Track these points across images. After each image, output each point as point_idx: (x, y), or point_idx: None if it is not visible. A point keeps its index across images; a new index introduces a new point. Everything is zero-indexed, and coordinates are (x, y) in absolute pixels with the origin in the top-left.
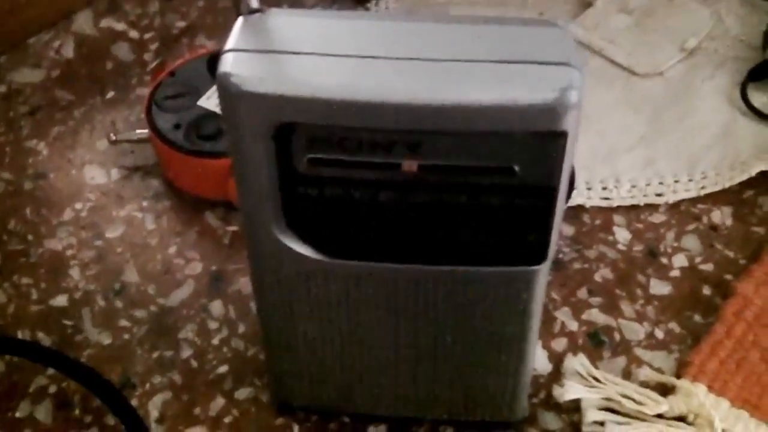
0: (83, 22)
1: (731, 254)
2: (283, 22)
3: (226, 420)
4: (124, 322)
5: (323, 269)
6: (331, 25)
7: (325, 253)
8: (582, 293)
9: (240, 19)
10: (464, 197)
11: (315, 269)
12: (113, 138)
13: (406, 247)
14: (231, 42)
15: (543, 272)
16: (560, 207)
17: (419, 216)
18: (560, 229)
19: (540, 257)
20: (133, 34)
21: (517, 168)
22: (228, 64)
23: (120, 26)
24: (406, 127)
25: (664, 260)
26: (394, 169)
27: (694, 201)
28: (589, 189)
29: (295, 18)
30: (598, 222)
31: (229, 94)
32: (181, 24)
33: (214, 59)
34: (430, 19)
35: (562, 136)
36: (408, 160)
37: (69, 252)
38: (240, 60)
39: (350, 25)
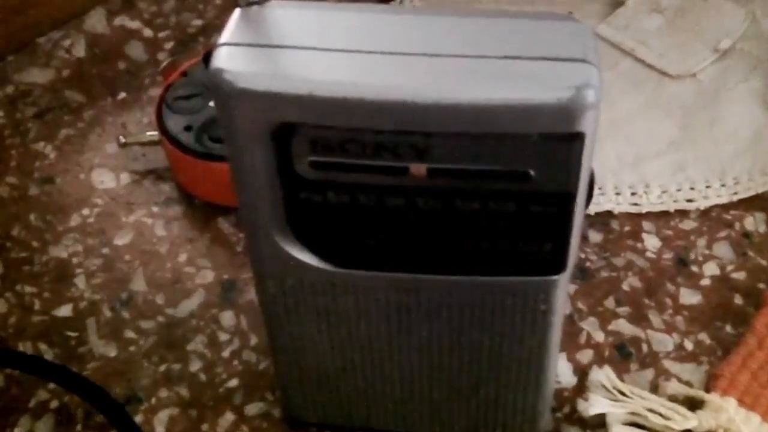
0: (96, 20)
1: (764, 262)
2: (283, 15)
3: None
4: (130, 334)
5: (329, 279)
6: (334, 18)
7: (330, 262)
8: (609, 303)
9: (237, 11)
10: (476, 203)
11: (320, 279)
12: (123, 141)
13: (415, 256)
14: (225, 35)
15: (562, 283)
16: (579, 214)
17: (429, 223)
18: (583, 235)
19: (558, 267)
20: (148, 32)
21: (532, 172)
22: (221, 59)
23: (134, 25)
24: (412, 128)
25: (695, 268)
26: (401, 173)
27: (726, 207)
28: (617, 194)
29: (296, 10)
30: (626, 229)
31: (223, 91)
32: (198, 23)
33: (209, 55)
34: (438, 13)
35: (579, 138)
36: (416, 164)
37: (75, 260)
38: (235, 55)
39: (354, 18)
